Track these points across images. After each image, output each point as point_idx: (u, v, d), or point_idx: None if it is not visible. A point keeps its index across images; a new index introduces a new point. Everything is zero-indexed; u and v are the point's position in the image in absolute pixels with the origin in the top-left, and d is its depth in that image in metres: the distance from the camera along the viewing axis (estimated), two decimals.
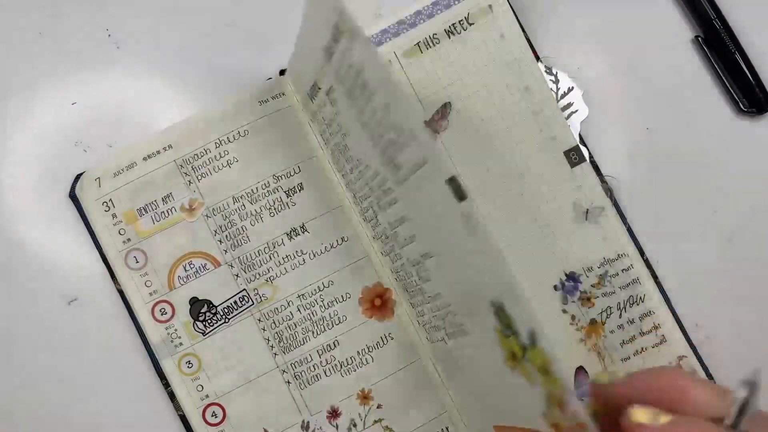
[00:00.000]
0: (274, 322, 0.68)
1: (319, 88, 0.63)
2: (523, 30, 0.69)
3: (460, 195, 0.48)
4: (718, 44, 0.71)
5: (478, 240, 0.49)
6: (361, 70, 0.52)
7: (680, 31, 0.72)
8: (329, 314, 0.68)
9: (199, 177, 0.68)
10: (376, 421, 0.68)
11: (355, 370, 0.68)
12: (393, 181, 0.57)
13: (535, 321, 0.46)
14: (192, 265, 0.67)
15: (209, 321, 0.67)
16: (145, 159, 0.68)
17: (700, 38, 0.71)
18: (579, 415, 0.44)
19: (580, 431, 0.45)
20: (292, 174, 0.69)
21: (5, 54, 0.71)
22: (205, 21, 0.72)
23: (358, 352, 0.68)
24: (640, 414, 0.44)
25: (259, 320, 0.68)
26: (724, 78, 0.71)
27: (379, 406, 0.68)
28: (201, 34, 0.72)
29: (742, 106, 0.70)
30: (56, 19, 0.72)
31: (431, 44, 0.68)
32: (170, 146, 0.68)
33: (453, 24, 0.68)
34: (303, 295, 0.68)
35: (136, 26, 0.72)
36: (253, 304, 0.68)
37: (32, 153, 0.70)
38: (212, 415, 0.67)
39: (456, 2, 0.68)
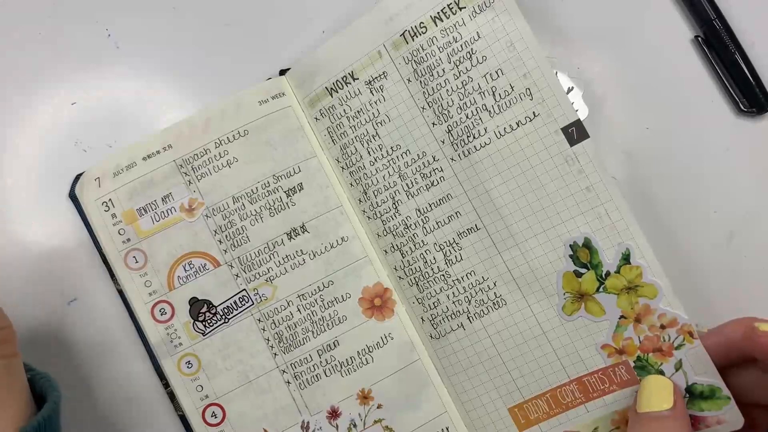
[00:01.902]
0: (274, 322, 0.68)
1: (354, 79, 0.68)
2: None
3: (576, 138, 0.63)
4: (718, 44, 0.71)
5: (588, 176, 0.63)
6: (475, 40, 0.64)
7: (680, 31, 0.72)
8: (329, 314, 0.68)
9: (199, 177, 0.68)
10: (376, 421, 0.68)
11: (355, 370, 0.68)
12: (450, 157, 0.66)
13: (638, 234, 0.62)
14: (192, 265, 0.67)
15: (209, 321, 0.67)
16: (144, 159, 0.68)
17: (700, 38, 0.71)
18: (669, 311, 0.61)
19: (664, 332, 0.62)
20: (292, 174, 0.68)
21: (5, 54, 0.71)
22: (205, 21, 0.72)
23: (358, 352, 0.68)
24: (765, 326, 0.57)
25: (259, 320, 0.68)
26: (724, 78, 0.71)
27: (379, 406, 0.68)
28: (201, 34, 0.72)
29: (742, 106, 0.70)
30: (56, 19, 0.72)
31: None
32: (170, 146, 0.68)
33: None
34: (303, 295, 0.68)
35: (136, 26, 0.72)
36: (253, 304, 0.68)
37: (32, 153, 0.70)
38: (212, 416, 0.67)
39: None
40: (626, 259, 0.62)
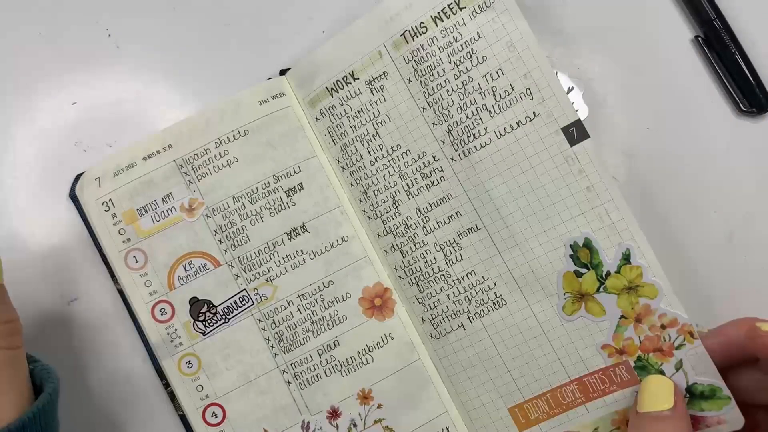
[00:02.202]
0: (274, 322, 0.68)
1: (354, 79, 0.68)
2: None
3: (576, 138, 0.63)
4: (718, 44, 0.70)
5: (588, 176, 0.62)
6: (476, 40, 0.64)
7: (680, 31, 0.72)
8: (329, 314, 0.68)
9: (199, 177, 0.68)
10: (376, 421, 0.68)
11: (355, 370, 0.68)
12: (450, 157, 0.66)
13: (638, 234, 0.62)
14: (192, 265, 0.67)
15: (209, 321, 0.67)
16: (145, 159, 0.68)
17: (700, 38, 0.71)
18: (669, 311, 0.61)
19: (664, 332, 0.61)
20: (292, 174, 0.68)
21: (5, 54, 0.71)
22: (205, 21, 0.72)
23: (358, 352, 0.68)
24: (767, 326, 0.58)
25: (259, 320, 0.68)
26: (724, 78, 0.71)
27: (379, 406, 0.68)
28: (201, 34, 0.72)
29: (742, 106, 0.70)
30: (56, 19, 0.72)
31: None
32: (170, 146, 0.68)
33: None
34: (303, 295, 0.68)
35: (136, 26, 0.72)
36: (253, 304, 0.68)
37: (32, 153, 0.70)
38: (212, 415, 0.67)
39: None
40: (626, 259, 0.62)
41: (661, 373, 0.61)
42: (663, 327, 0.61)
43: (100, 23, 0.72)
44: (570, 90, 0.71)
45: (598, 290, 0.63)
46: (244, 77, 0.71)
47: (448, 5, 0.64)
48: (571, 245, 0.63)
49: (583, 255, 0.63)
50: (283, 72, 0.71)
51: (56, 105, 0.71)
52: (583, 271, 0.63)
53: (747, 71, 0.70)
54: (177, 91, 0.72)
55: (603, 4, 0.72)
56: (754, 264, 0.70)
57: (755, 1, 0.72)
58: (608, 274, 0.62)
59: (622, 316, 0.62)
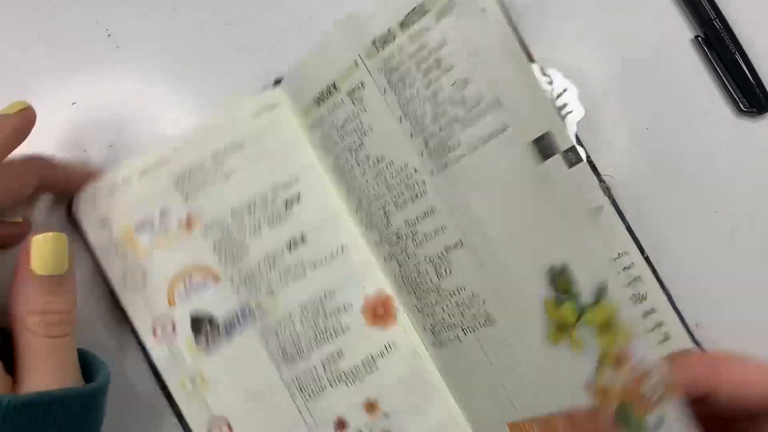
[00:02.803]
0: (276, 335, 0.68)
1: (335, 90, 0.66)
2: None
3: (548, 153, 0.57)
4: (718, 44, 0.70)
5: (561, 197, 0.57)
6: (442, 46, 0.60)
7: (680, 31, 0.72)
8: (332, 325, 0.69)
9: (196, 191, 0.68)
10: (383, 431, 0.69)
11: (360, 380, 0.69)
12: (430, 170, 0.63)
13: (607, 271, 0.56)
14: (192, 281, 0.67)
15: (211, 337, 0.67)
16: (140, 175, 0.67)
17: (700, 38, 0.71)
18: (644, 362, 0.54)
19: (641, 383, 0.54)
20: (289, 185, 0.69)
21: (5, 54, 0.71)
22: (205, 21, 0.72)
23: (362, 361, 0.69)
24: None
25: (262, 334, 0.68)
26: (724, 78, 0.71)
27: (386, 415, 0.69)
28: (201, 34, 0.72)
29: (742, 106, 0.70)
30: (56, 19, 0.71)
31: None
32: (166, 161, 0.67)
33: None
34: (305, 306, 0.68)
35: (136, 26, 0.72)
36: (255, 317, 0.68)
37: (32, 153, 0.70)
38: None
39: None
40: (604, 292, 0.56)
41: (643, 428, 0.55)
42: (641, 376, 0.55)
43: (100, 23, 0.72)
44: (564, 91, 0.71)
45: (578, 321, 0.58)
46: (245, 77, 0.71)
47: (413, 9, 0.61)
48: (550, 270, 0.59)
49: (562, 282, 0.59)
50: (278, 82, 0.71)
51: (56, 105, 0.71)
52: (563, 298, 0.58)
53: (747, 71, 0.70)
54: (177, 91, 0.72)
55: (603, 4, 0.71)
56: (755, 264, 0.71)
57: (755, 1, 0.71)
58: (586, 306, 0.57)
59: (602, 354, 0.57)
